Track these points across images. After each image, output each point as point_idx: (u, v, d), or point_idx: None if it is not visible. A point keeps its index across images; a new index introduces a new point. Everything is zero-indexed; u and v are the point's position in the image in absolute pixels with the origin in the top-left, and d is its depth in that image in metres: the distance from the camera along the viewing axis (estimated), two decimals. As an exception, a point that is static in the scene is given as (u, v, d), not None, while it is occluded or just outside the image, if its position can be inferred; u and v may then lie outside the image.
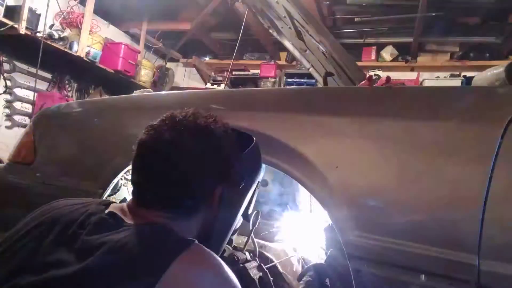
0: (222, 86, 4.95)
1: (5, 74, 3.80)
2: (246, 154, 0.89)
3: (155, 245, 0.72)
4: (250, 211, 1.08)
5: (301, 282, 1.18)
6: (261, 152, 1.01)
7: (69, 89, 4.51)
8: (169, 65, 5.62)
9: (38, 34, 3.57)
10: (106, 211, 0.80)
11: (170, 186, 0.80)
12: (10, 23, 3.32)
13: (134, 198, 0.84)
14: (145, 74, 5.07)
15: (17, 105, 3.99)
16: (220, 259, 0.76)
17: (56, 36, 3.77)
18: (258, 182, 1.05)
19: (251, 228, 1.20)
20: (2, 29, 3.31)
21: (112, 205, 0.84)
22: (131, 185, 0.86)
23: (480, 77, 1.23)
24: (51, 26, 3.86)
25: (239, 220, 1.03)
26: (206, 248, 0.76)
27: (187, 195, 0.81)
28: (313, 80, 4.08)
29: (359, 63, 3.83)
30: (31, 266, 0.72)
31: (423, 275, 0.82)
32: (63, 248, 0.73)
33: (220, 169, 0.85)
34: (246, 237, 1.28)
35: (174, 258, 0.68)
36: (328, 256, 1.13)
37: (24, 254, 0.75)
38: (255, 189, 1.04)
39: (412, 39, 4.44)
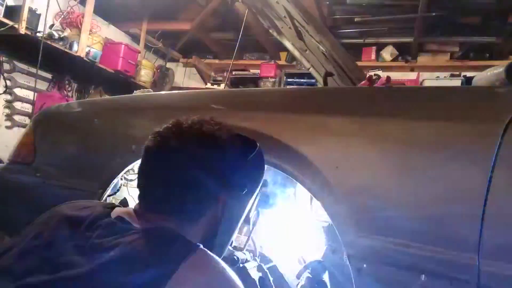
0: (222, 86, 4.95)
1: (5, 74, 3.80)
2: (249, 160, 0.91)
3: (163, 249, 0.73)
4: (251, 214, 1.09)
5: (300, 279, 1.18)
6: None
7: (69, 89, 4.50)
8: (169, 65, 5.62)
9: (38, 34, 3.56)
10: (114, 216, 0.82)
11: (176, 192, 0.83)
12: (10, 23, 3.31)
13: (140, 203, 0.86)
14: (145, 74, 5.06)
15: (17, 105, 3.99)
16: (225, 264, 0.78)
17: (56, 36, 3.76)
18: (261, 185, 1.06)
19: (251, 228, 1.20)
20: (2, 29, 3.30)
21: (117, 209, 0.86)
22: (138, 190, 0.88)
23: (480, 77, 1.23)
24: (51, 26, 3.86)
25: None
26: (211, 253, 0.78)
27: (192, 201, 0.83)
28: (313, 80, 4.08)
29: (359, 63, 3.82)
30: (42, 267, 0.74)
31: (423, 275, 0.82)
32: (73, 250, 0.75)
33: (224, 175, 0.87)
34: (246, 237, 1.28)
35: (180, 263, 0.70)
36: (325, 253, 1.14)
37: (35, 256, 0.77)
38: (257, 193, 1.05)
39: (412, 39, 4.44)
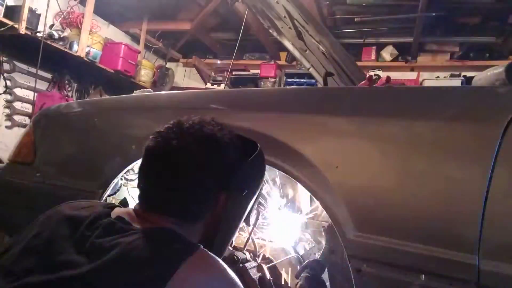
0: (222, 86, 4.95)
1: (5, 74, 3.80)
2: (250, 161, 0.91)
3: (163, 249, 0.73)
4: (251, 215, 1.09)
5: (300, 278, 1.19)
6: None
7: (69, 89, 4.50)
8: (169, 65, 5.62)
9: (38, 34, 3.56)
10: (114, 216, 0.82)
11: (176, 192, 0.83)
12: (10, 23, 3.31)
13: (141, 203, 0.86)
14: (145, 74, 5.06)
15: (17, 105, 3.99)
16: (224, 264, 0.78)
17: (56, 36, 3.76)
18: (261, 187, 1.06)
19: (251, 228, 1.20)
20: (2, 29, 3.30)
21: (117, 209, 0.86)
22: (138, 190, 0.87)
23: (480, 77, 1.23)
24: (51, 26, 3.86)
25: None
26: (211, 253, 0.78)
27: (192, 202, 0.83)
28: (313, 80, 4.09)
29: (359, 63, 3.83)
30: (42, 266, 0.74)
31: (423, 275, 0.82)
32: (73, 250, 0.75)
33: (224, 176, 0.87)
34: (246, 237, 1.28)
35: (181, 262, 0.70)
36: (323, 253, 1.14)
37: (35, 255, 0.77)
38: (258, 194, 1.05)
39: (412, 39, 4.44)
